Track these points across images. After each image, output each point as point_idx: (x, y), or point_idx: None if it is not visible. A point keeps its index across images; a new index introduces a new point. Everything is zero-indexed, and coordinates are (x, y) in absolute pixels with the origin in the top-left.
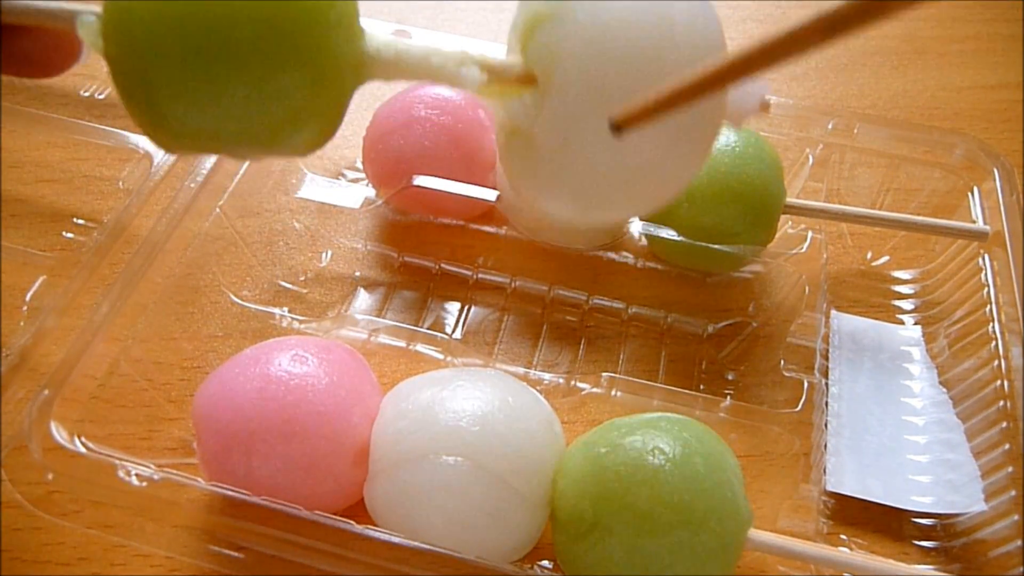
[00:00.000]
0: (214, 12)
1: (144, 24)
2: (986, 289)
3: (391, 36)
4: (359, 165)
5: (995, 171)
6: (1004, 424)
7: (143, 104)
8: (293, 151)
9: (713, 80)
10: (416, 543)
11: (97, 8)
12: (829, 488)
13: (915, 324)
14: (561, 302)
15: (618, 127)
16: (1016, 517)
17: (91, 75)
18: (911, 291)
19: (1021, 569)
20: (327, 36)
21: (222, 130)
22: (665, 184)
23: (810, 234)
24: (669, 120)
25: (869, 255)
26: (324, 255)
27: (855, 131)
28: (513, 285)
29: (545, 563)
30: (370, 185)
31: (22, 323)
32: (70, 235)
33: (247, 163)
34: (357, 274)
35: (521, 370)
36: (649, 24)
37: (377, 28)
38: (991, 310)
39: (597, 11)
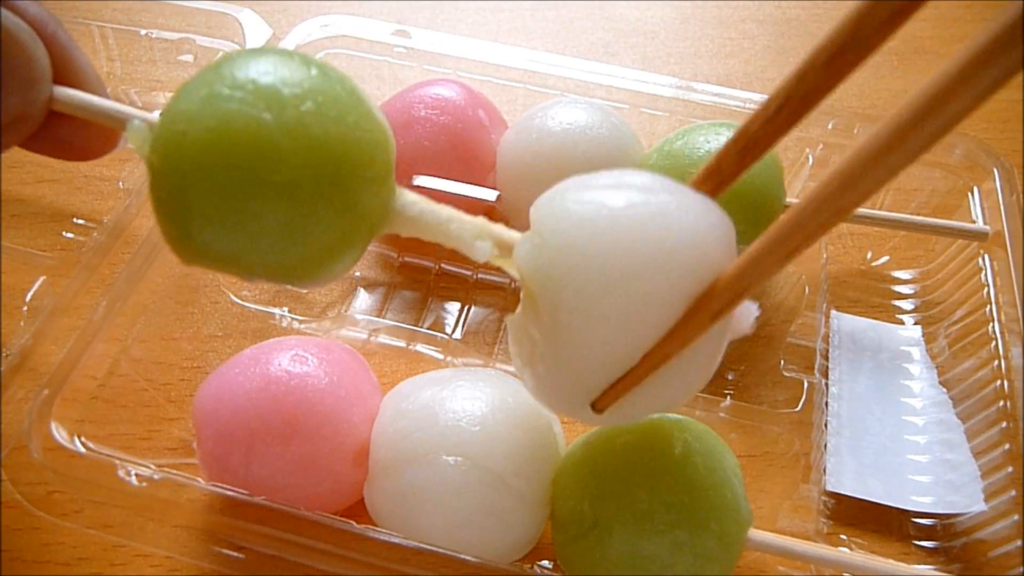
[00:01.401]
0: (262, 149)
1: (194, 147)
2: (986, 289)
3: (417, 196)
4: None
5: (995, 171)
6: (1004, 424)
7: (175, 219)
8: (307, 285)
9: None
10: (416, 543)
11: (146, 115)
12: (829, 488)
13: (915, 324)
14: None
15: (598, 409)
16: (1016, 517)
17: None
18: (911, 291)
19: (1021, 569)
20: (362, 189)
21: (243, 258)
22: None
23: None
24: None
25: (869, 255)
26: None
27: (855, 131)
28: (513, 285)
29: (545, 563)
30: None
31: (22, 323)
32: (70, 235)
33: None
34: (357, 274)
35: None
36: (633, 245)
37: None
38: (991, 310)
39: (568, 237)
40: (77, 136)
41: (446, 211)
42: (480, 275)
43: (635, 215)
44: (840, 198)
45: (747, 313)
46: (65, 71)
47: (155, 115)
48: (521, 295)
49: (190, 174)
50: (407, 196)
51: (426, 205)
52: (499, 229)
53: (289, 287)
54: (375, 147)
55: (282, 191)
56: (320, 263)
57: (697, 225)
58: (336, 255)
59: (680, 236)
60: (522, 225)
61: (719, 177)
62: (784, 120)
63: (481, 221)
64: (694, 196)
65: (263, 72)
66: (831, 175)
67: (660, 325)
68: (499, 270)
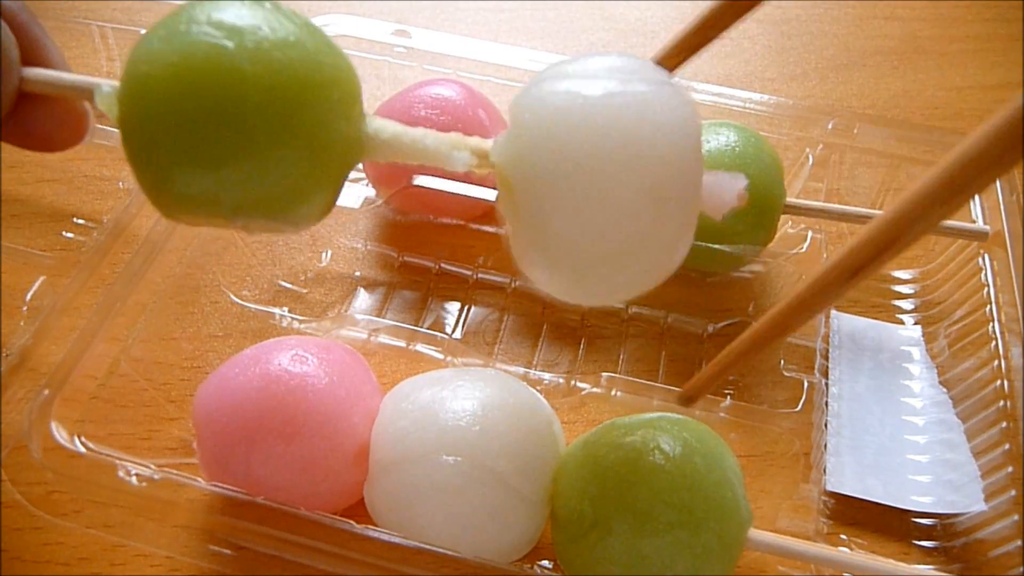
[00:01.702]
0: (224, 83)
1: (158, 90)
2: (986, 289)
3: (388, 121)
4: (359, 165)
5: None
6: (1004, 424)
7: (149, 165)
8: (290, 224)
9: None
10: (416, 543)
11: (113, 81)
12: (829, 488)
13: (915, 324)
14: (561, 302)
15: (689, 399)
16: (1016, 517)
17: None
18: (911, 291)
19: (1021, 569)
20: (328, 115)
21: (222, 198)
22: (647, 268)
23: (810, 234)
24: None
25: None
26: (324, 255)
27: (855, 131)
28: (513, 285)
29: (545, 563)
30: (370, 185)
31: (22, 323)
32: (70, 235)
33: None
34: (357, 274)
35: (521, 370)
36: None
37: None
38: (991, 310)
39: (543, 121)
40: (46, 123)
41: (419, 130)
42: (480, 275)
43: (610, 104)
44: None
45: (731, 183)
46: (35, 57)
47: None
48: (500, 195)
49: (157, 113)
50: (379, 121)
51: (398, 127)
52: (475, 140)
53: (277, 230)
54: (337, 71)
55: (250, 118)
56: (299, 195)
57: (666, 117)
58: (317, 184)
59: (650, 128)
60: None
61: (686, 54)
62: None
63: (456, 135)
64: (666, 87)
65: (219, 8)
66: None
67: (628, 212)
68: (499, 270)
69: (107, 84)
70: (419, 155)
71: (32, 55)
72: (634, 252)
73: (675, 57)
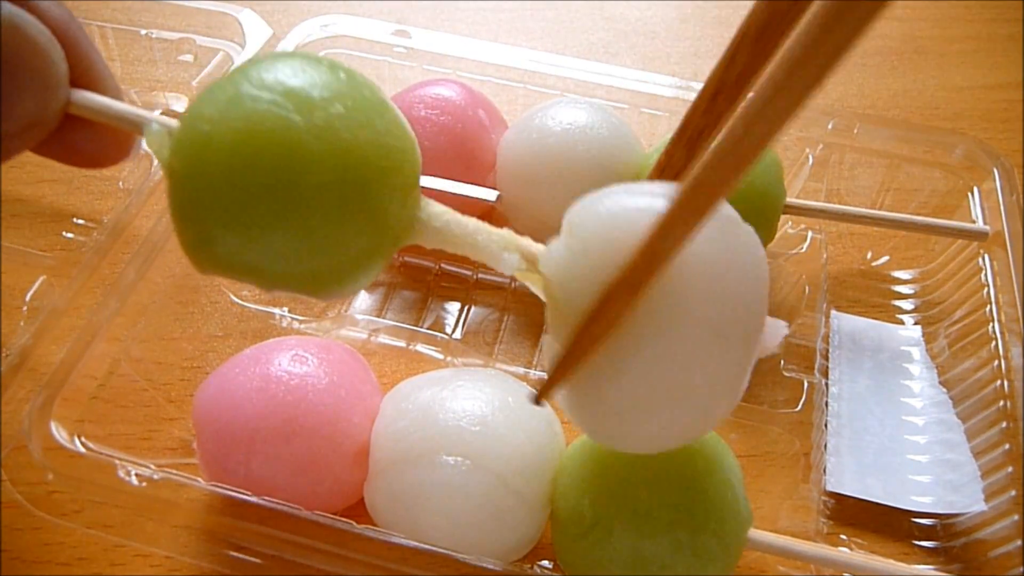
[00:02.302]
0: (287, 158)
1: (217, 152)
2: (986, 289)
3: (443, 207)
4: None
5: (995, 171)
6: (1004, 424)
7: (196, 225)
8: (327, 297)
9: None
10: (416, 543)
11: (166, 119)
12: (829, 488)
13: (915, 324)
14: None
15: (537, 399)
16: (1016, 517)
17: None
18: (911, 291)
19: (1021, 569)
20: (389, 197)
21: (266, 267)
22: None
23: (810, 234)
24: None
25: (869, 255)
26: None
27: (855, 131)
28: (513, 285)
29: (545, 563)
30: None
31: (22, 323)
32: (70, 235)
33: None
34: None
35: (521, 370)
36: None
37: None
38: (991, 310)
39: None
40: (91, 142)
41: (472, 223)
42: (480, 275)
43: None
44: (735, 150)
45: (775, 330)
46: (83, 74)
47: (175, 121)
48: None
49: (214, 177)
50: (434, 207)
51: (452, 216)
52: (525, 242)
53: (308, 297)
54: (403, 154)
55: (310, 196)
56: (343, 274)
57: (744, 252)
58: (360, 266)
59: (739, 261)
60: (522, 224)
61: (672, 171)
62: (723, 105)
63: (508, 233)
64: (741, 224)
65: (291, 75)
66: (725, 131)
67: (699, 350)
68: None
69: (157, 122)
70: (467, 248)
71: (81, 73)
72: (694, 394)
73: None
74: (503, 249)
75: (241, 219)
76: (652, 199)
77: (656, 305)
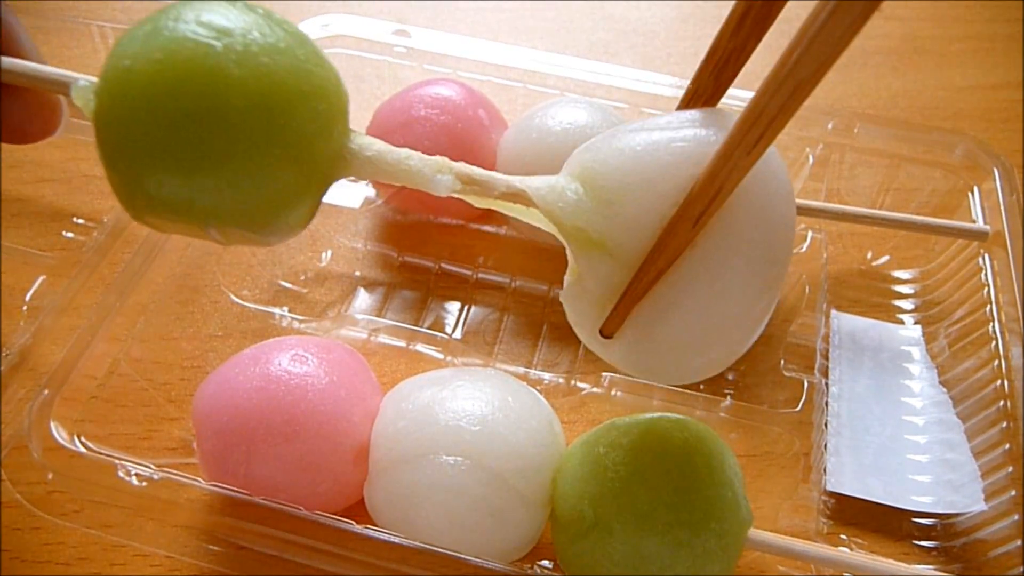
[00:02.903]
0: (209, 85)
1: (139, 86)
2: (986, 289)
3: (373, 138)
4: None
5: (995, 171)
6: (1004, 424)
7: (124, 162)
8: (265, 236)
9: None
10: (416, 543)
11: (90, 77)
12: (829, 488)
13: (915, 324)
14: (561, 302)
15: (605, 334)
16: (1016, 517)
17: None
18: (911, 291)
19: (1021, 569)
20: (312, 126)
21: (196, 204)
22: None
23: (810, 234)
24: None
25: (869, 255)
26: (324, 255)
27: (855, 131)
28: (513, 285)
29: (545, 563)
30: (370, 184)
31: (22, 323)
32: (70, 235)
33: None
34: (357, 274)
35: (521, 370)
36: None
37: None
38: (991, 310)
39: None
40: (17, 115)
41: (404, 151)
42: (480, 275)
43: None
44: (793, 74)
45: None
46: (7, 49)
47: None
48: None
49: (137, 108)
50: (363, 138)
51: (383, 145)
52: (460, 165)
53: (252, 241)
54: (325, 82)
55: (233, 121)
56: (277, 206)
57: (781, 174)
58: (292, 196)
59: (775, 184)
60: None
61: (700, 100)
62: (751, 27)
63: (442, 158)
64: (687, 129)
65: (208, 9)
66: (781, 56)
67: (748, 277)
68: (499, 270)
69: (84, 79)
70: (402, 175)
71: (5, 44)
72: (745, 321)
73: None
74: (436, 172)
75: (167, 151)
76: (673, 132)
77: (713, 236)
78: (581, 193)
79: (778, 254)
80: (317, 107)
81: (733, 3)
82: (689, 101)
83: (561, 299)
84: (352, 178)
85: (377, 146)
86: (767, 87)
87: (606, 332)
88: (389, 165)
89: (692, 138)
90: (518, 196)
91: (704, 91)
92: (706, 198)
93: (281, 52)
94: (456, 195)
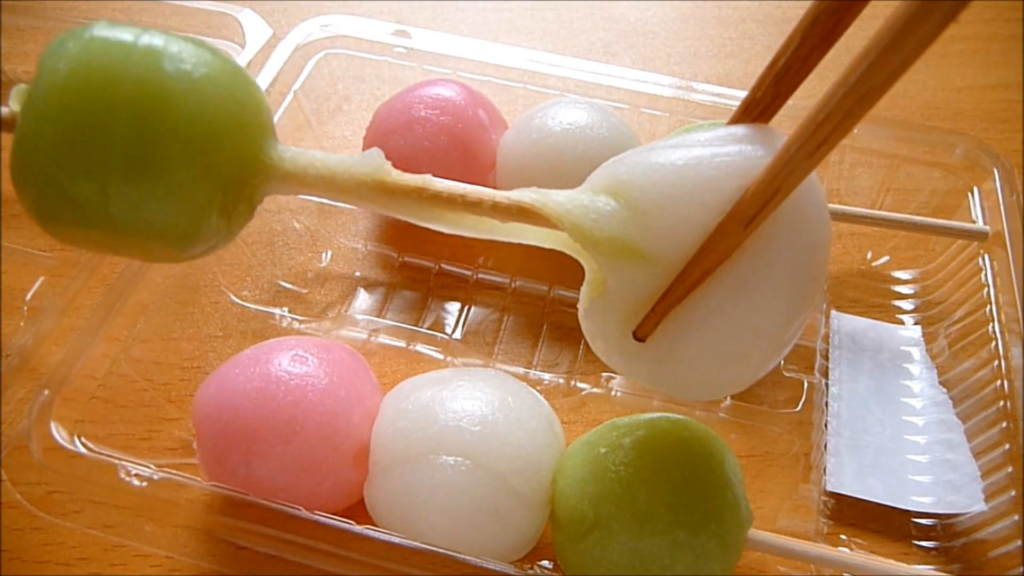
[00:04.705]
0: (126, 95)
1: (57, 96)
2: (986, 289)
3: (299, 150)
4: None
5: (995, 171)
6: (1004, 424)
7: (38, 171)
8: (181, 252)
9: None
10: (416, 543)
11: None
12: (829, 488)
13: (915, 324)
14: (561, 302)
15: (639, 336)
16: (1016, 517)
17: None
18: (911, 291)
19: (1021, 569)
20: (227, 122)
21: (108, 213)
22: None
23: None
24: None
25: (869, 255)
26: (324, 255)
27: (855, 131)
28: (513, 285)
29: (545, 563)
30: None
31: (22, 323)
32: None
33: None
34: (357, 274)
35: (521, 370)
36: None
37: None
38: (991, 310)
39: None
40: None
41: (333, 158)
42: (480, 275)
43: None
44: (864, 80)
45: None
46: None
47: None
48: (589, 269)
49: (54, 117)
50: (288, 150)
51: (308, 159)
52: (396, 175)
53: (167, 256)
54: (245, 95)
55: (149, 131)
56: (191, 220)
57: (817, 191)
58: (203, 206)
59: (814, 203)
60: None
61: (757, 109)
62: (816, 39)
63: (372, 169)
64: (732, 145)
65: (126, 26)
66: (852, 61)
67: (784, 294)
68: (499, 270)
69: (24, 83)
70: (324, 187)
71: None
72: (775, 340)
73: (745, 116)
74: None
75: (81, 157)
76: (717, 147)
77: (755, 246)
78: (614, 205)
79: (816, 270)
80: (238, 121)
81: (800, 21)
82: (747, 108)
83: (582, 316)
84: (282, 193)
85: (302, 159)
86: (836, 90)
87: (640, 335)
88: (313, 179)
89: (737, 153)
90: (475, 206)
91: (763, 100)
92: (761, 200)
93: (200, 65)
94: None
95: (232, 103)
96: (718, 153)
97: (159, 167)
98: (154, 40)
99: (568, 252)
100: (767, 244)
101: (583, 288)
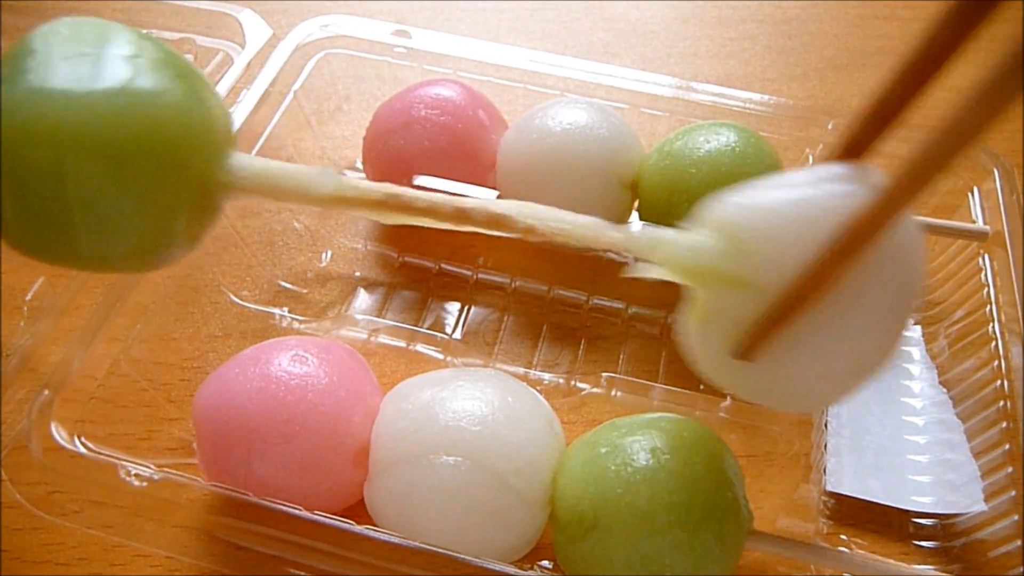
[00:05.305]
0: (77, 120)
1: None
2: (986, 289)
3: (253, 156)
4: (359, 165)
5: (995, 171)
6: (1004, 424)
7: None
8: (148, 265)
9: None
10: (416, 543)
11: None
12: (829, 488)
13: (915, 324)
14: (561, 302)
15: (739, 355)
16: (1016, 517)
17: None
18: None
19: (1021, 569)
20: (184, 135)
21: (62, 220)
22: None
23: None
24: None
25: None
26: (324, 255)
27: None
28: (513, 285)
29: (545, 563)
30: None
31: (22, 323)
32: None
33: None
34: (357, 274)
35: (521, 370)
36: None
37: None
38: (991, 310)
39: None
40: None
41: (288, 164)
42: (480, 275)
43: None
44: (970, 124)
45: None
46: None
47: None
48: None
49: (17, 138)
50: (243, 158)
51: (263, 163)
52: (348, 179)
53: (136, 268)
54: (205, 108)
55: (105, 156)
56: (150, 240)
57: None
58: (167, 225)
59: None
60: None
61: (856, 148)
62: (918, 81)
63: (327, 169)
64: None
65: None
66: (954, 108)
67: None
68: (499, 270)
69: None
70: (283, 188)
71: None
72: (873, 363)
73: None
74: (320, 175)
75: (37, 192)
76: (815, 188)
77: (863, 270)
78: (722, 244)
79: (914, 289)
80: (198, 138)
81: (906, 59)
82: (847, 147)
83: (684, 336)
84: (241, 196)
85: (258, 164)
86: (944, 131)
87: (742, 356)
88: (270, 179)
89: (836, 193)
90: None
91: (863, 138)
92: (865, 233)
93: (157, 87)
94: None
95: (192, 117)
96: (817, 193)
97: (124, 179)
98: (104, 69)
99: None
100: (868, 270)
101: (686, 309)
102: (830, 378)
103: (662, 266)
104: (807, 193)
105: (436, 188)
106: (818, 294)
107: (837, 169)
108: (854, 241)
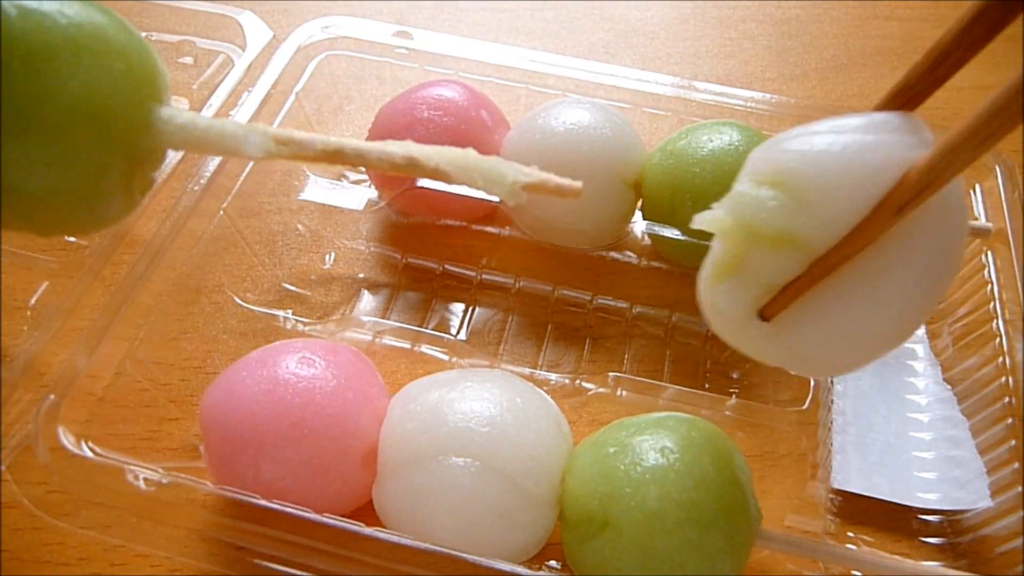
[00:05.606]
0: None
1: None
2: (989, 286)
3: (182, 109)
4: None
5: (997, 168)
6: (1009, 420)
7: None
8: (80, 220)
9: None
10: (425, 545)
11: None
12: (835, 485)
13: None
14: (565, 302)
15: (765, 316)
16: (1022, 513)
17: None
18: None
19: None
20: (116, 95)
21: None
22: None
23: None
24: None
25: None
26: (327, 257)
27: None
28: (517, 286)
29: (553, 563)
30: (373, 187)
31: (26, 327)
32: (72, 238)
33: (251, 164)
34: (361, 276)
35: (526, 370)
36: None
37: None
38: (994, 307)
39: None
40: None
41: (218, 119)
42: (484, 276)
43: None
44: None
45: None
46: None
47: None
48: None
49: None
50: (172, 109)
51: (192, 114)
52: (278, 129)
53: (68, 227)
54: (127, 47)
55: (26, 87)
56: (83, 180)
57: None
58: (100, 168)
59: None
60: (527, 224)
61: (904, 96)
62: (980, 29)
63: (258, 124)
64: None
65: None
66: None
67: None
68: (503, 271)
69: None
70: (213, 141)
71: None
72: (895, 328)
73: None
74: (249, 132)
75: None
76: (875, 135)
77: (896, 238)
78: (780, 198)
79: (946, 271)
80: (119, 76)
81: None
82: (895, 96)
83: (706, 293)
84: (172, 150)
85: (186, 115)
86: (1016, 85)
87: (767, 315)
88: (199, 131)
89: (896, 142)
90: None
91: (917, 86)
92: (917, 188)
93: (87, 28)
94: (276, 158)
95: (121, 64)
96: (878, 142)
97: (50, 129)
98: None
99: None
100: (913, 231)
101: (708, 264)
102: (849, 345)
103: (726, 223)
104: (864, 141)
105: (439, 188)
106: (854, 252)
107: (891, 118)
108: (905, 195)
